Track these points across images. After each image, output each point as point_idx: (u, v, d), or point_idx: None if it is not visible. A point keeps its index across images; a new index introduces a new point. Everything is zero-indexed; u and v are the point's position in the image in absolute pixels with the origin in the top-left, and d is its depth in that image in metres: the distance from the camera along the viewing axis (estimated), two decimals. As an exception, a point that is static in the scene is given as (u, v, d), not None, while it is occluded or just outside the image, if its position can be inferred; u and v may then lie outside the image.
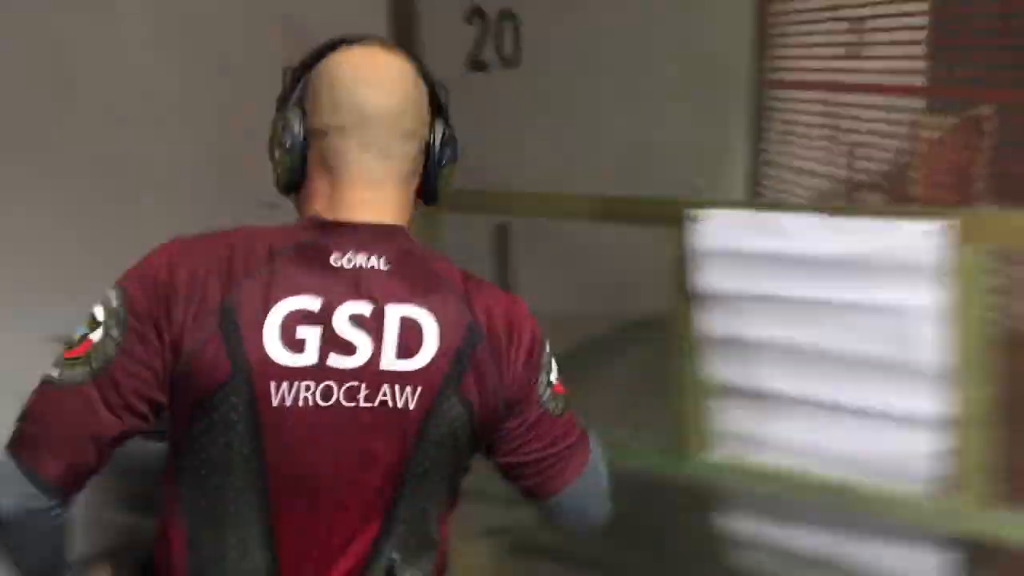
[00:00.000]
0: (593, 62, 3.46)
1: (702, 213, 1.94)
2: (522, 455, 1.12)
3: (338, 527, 1.04)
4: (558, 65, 3.39)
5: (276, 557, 1.03)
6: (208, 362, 0.97)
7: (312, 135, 1.07)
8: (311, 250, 1.03)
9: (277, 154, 1.09)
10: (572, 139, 3.45)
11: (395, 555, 1.06)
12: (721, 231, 1.93)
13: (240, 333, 0.98)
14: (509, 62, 3.37)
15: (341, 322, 1.01)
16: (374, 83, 1.07)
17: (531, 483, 1.15)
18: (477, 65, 3.24)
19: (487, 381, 1.06)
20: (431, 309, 1.04)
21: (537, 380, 1.11)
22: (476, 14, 3.21)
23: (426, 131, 1.11)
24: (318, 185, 1.08)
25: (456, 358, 1.04)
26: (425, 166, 1.12)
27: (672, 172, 3.32)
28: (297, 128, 1.07)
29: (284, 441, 1.00)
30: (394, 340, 1.02)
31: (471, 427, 1.06)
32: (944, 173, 3.69)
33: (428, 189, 1.14)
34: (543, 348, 1.13)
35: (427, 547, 1.10)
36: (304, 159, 1.07)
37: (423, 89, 1.12)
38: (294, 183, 1.10)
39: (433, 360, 1.03)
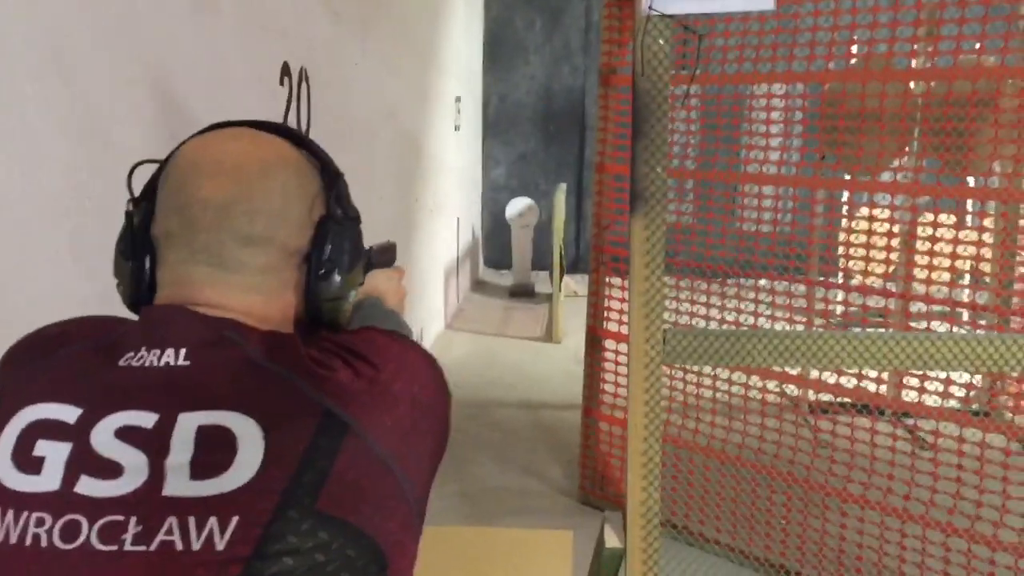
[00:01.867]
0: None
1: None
2: None
3: None
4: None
5: None
6: None
7: (156, 241, 0.88)
8: (105, 347, 0.82)
9: (116, 265, 0.91)
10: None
11: None
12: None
13: None
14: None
15: (104, 436, 0.75)
16: (207, 172, 0.85)
17: None
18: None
19: (378, 483, 0.77)
20: (250, 409, 0.76)
21: (431, 425, 0.86)
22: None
23: (299, 238, 0.88)
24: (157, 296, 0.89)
25: (302, 466, 0.74)
26: (307, 285, 0.89)
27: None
28: (134, 231, 0.88)
29: None
30: (186, 456, 0.74)
31: (370, 551, 0.75)
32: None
33: (308, 307, 0.90)
34: (444, 409, 0.88)
35: None
36: (146, 269, 0.88)
37: (304, 185, 0.89)
38: (140, 298, 0.89)
39: (257, 476, 0.73)
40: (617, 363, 3.41)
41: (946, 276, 2.88)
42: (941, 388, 2.76)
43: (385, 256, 1.30)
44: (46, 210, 1.56)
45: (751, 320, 3.12)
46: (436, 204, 6.02)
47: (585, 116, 8.68)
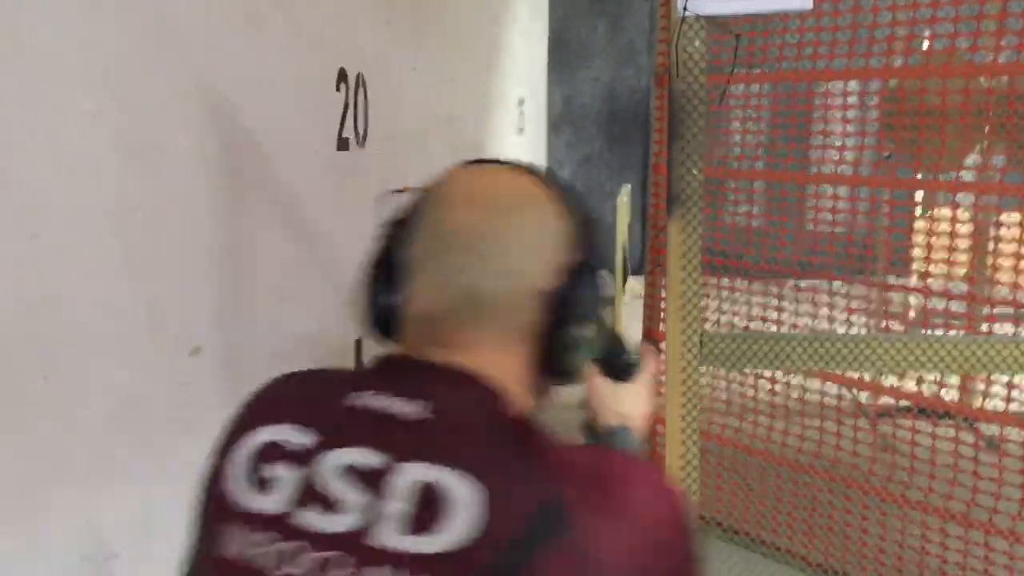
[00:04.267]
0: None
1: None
2: None
3: None
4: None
5: None
6: (200, 484, 0.85)
7: (403, 264, 0.88)
8: (337, 383, 0.85)
9: (365, 286, 0.92)
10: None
11: None
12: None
13: (218, 456, 0.84)
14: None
15: (331, 469, 0.77)
16: (463, 198, 0.85)
17: None
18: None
19: None
20: (472, 475, 0.73)
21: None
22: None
23: (548, 278, 0.84)
24: (402, 326, 0.88)
25: (509, 549, 0.70)
26: (546, 329, 0.85)
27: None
28: (390, 253, 0.89)
29: None
30: (405, 507, 0.73)
31: None
32: None
33: (543, 356, 0.85)
34: (685, 534, 0.78)
35: None
36: (390, 290, 0.88)
37: (558, 225, 0.86)
38: (383, 321, 0.89)
39: (465, 546, 0.71)
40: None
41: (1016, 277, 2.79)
42: (1005, 392, 2.68)
43: (629, 363, 1.16)
44: (98, 222, 1.63)
45: (822, 324, 3.06)
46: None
47: (649, 117, 8.62)
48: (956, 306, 3.52)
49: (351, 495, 0.75)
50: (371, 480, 0.75)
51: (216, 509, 0.80)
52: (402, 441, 0.77)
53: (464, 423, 0.79)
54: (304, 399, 0.84)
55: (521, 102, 7.03)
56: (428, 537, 0.72)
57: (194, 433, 1.94)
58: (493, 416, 0.80)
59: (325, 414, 0.81)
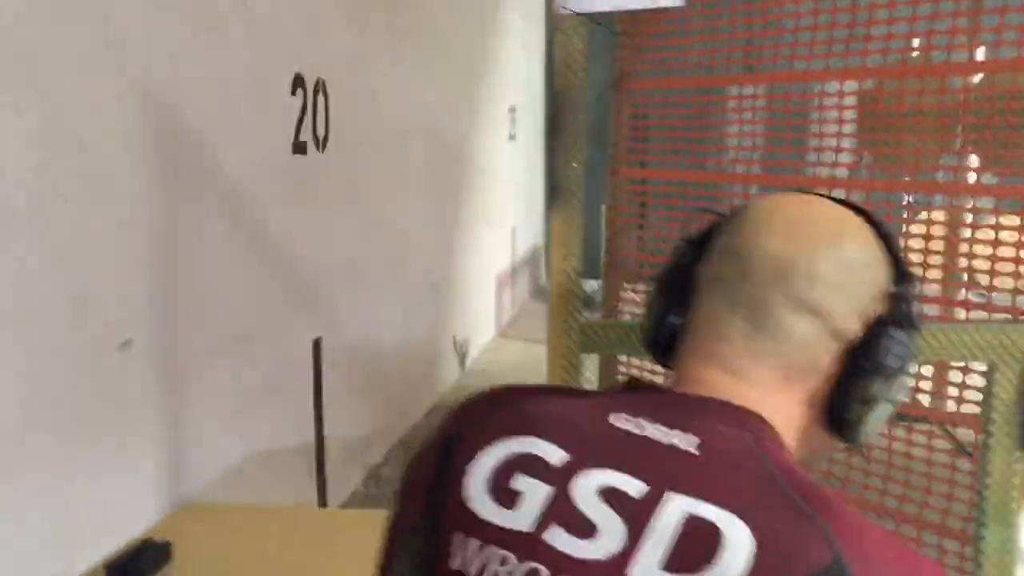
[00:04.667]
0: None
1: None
2: None
3: None
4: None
5: None
6: (411, 493, 0.80)
7: (693, 285, 0.84)
8: (591, 403, 0.79)
9: (647, 304, 0.89)
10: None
11: None
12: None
13: (451, 464, 0.77)
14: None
15: (585, 490, 0.71)
16: (776, 226, 0.79)
17: None
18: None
19: None
20: (746, 518, 0.67)
21: None
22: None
23: (851, 321, 0.78)
24: (681, 350, 0.84)
25: None
26: (839, 382, 0.78)
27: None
28: (683, 272, 0.85)
29: None
30: (666, 541, 0.67)
31: None
32: None
33: (832, 410, 0.79)
34: None
35: None
36: (676, 311, 0.84)
37: (872, 268, 0.80)
38: (662, 340, 0.86)
39: None
40: (630, 366, 3.35)
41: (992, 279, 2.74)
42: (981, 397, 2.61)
43: None
44: (19, 212, 1.61)
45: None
46: (486, 214, 6.03)
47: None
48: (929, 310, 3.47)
49: (608, 520, 0.69)
50: (632, 507, 0.69)
51: (453, 519, 0.73)
52: (669, 471, 0.70)
53: (736, 462, 0.71)
54: (555, 415, 0.78)
55: (513, 109, 7.02)
56: (696, 574, 0.65)
57: (121, 425, 1.92)
58: (768, 459, 0.72)
59: (581, 433, 0.75)
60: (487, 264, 6.15)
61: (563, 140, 1.59)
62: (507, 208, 6.91)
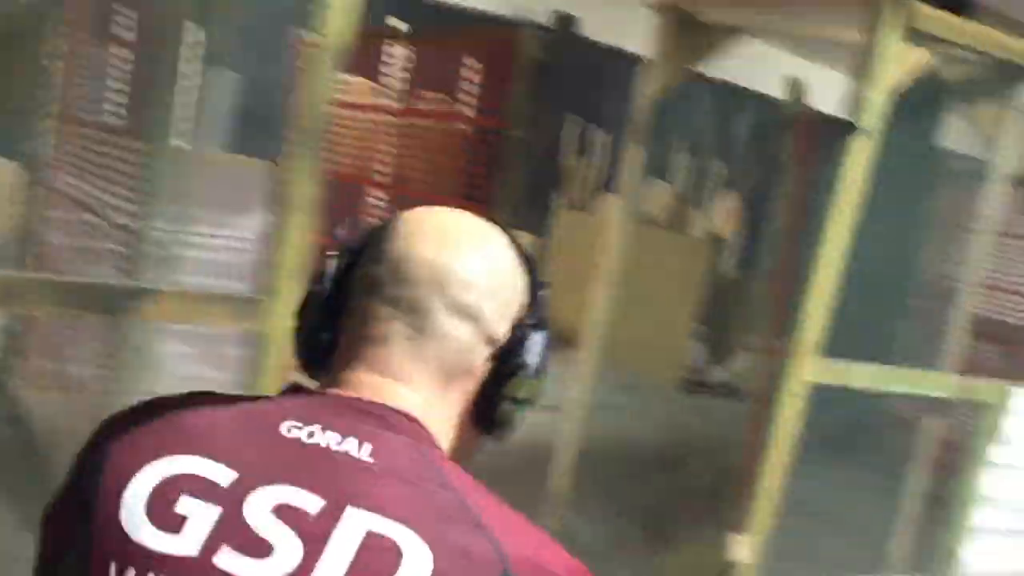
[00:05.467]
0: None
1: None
2: None
3: None
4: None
5: None
6: (57, 524, 0.76)
7: (348, 292, 0.83)
8: (256, 412, 0.76)
9: (299, 311, 0.86)
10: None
11: None
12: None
13: (100, 489, 0.72)
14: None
15: (258, 509, 0.69)
16: (430, 234, 0.80)
17: None
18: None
19: None
20: (423, 532, 0.68)
21: None
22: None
23: (501, 325, 0.81)
24: (335, 356, 0.82)
25: None
26: (488, 379, 0.81)
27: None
28: (333, 273, 0.83)
29: None
30: (346, 558, 0.67)
31: None
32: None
33: (480, 407, 0.82)
34: None
35: None
36: (332, 317, 0.83)
37: (515, 276, 0.83)
38: (313, 354, 0.84)
39: None
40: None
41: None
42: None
43: None
44: None
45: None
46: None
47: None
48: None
49: (284, 539, 0.68)
50: (309, 524, 0.68)
51: (106, 549, 0.69)
52: (346, 484, 0.70)
53: (408, 470, 0.73)
54: (220, 428, 0.74)
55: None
56: None
57: None
58: (434, 465, 0.75)
59: (250, 447, 0.72)
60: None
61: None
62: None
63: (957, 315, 3.01)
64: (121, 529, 0.69)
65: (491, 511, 0.72)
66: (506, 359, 0.81)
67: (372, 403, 0.76)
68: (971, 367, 3.14)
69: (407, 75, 4.30)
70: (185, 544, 0.67)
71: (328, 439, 0.72)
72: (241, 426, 0.74)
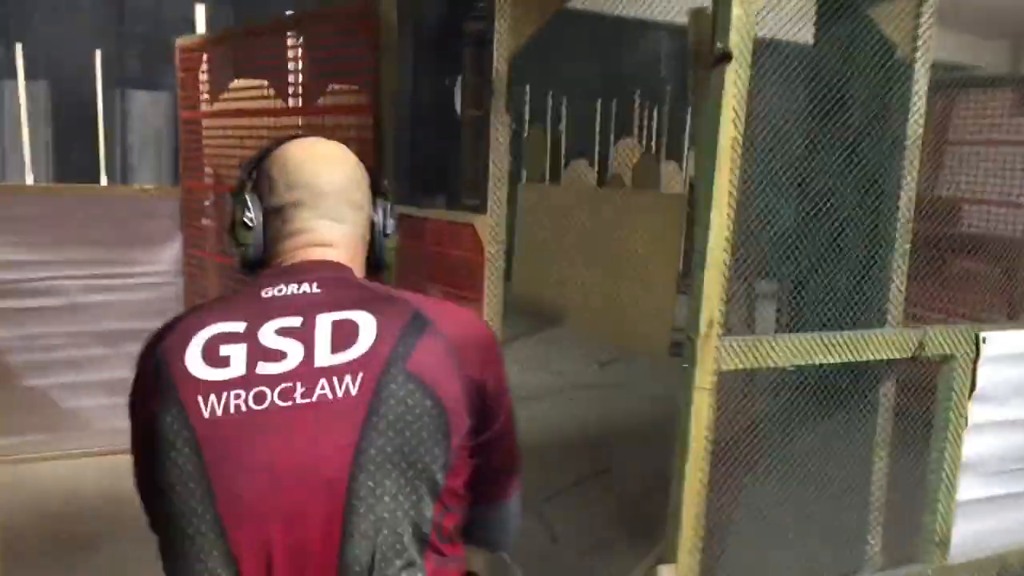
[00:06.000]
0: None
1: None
2: (486, 460, 1.16)
3: (298, 531, 1.03)
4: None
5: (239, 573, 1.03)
6: (145, 396, 1.09)
7: (269, 213, 1.23)
8: (244, 290, 1.17)
9: (240, 234, 1.24)
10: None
11: (367, 556, 1.04)
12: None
13: (166, 362, 1.08)
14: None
15: (268, 336, 1.09)
16: (322, 162, 1.25)
17: (484, 488, 1.18)
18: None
19: (443, 366, 1.09)
20: (367, 310, 1.12)
21: (504, 390, 1.18)
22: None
23: (370, 207, 1.30)
24: (276, 255, 1.23)
25: (398, 341, 1.09)
26: (372, 238, 1.30)
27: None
28: (257, 208, 1.24)
29: (222, 450, 1.04)
30: (326, 340, 1.09)
31: (436, 410, 1.08)
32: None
33: (375, 257, 1.31)
34: (501, 359, 1.20)
35: (406, 554, 1.06)
36: (265, 236, 1.24)
37: (363, 173, 1.30)
38: (258, 259, 1.25)
39: (372, 347, 1.08)
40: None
41: None
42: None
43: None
44: None
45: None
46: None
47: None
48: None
49: (290, 345, 1.09)
50: (299, 332, 1.09)
51: (190, 393, 1.05)
52: (311, 304, 1.12)
53: (346, 286, 1.17)
54: (223, 307, 1.15)
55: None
56: (349, 350, 1.08)
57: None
58: (358, 281, 1.21)
59: (247, 307, 1.13)
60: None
61: None
62: None
63: (898, 243, 2.46)
64: (193, 377, 1.06)
65: (406, 294, 1.17)
66: (377, 223, 1.30)
67: (315, 262, 1.20)
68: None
69: (300, 68, 3.87)
70: (235, 370, 1.07)
71: (291, 288, 1.14)
72: (241, 298, 1.16)
